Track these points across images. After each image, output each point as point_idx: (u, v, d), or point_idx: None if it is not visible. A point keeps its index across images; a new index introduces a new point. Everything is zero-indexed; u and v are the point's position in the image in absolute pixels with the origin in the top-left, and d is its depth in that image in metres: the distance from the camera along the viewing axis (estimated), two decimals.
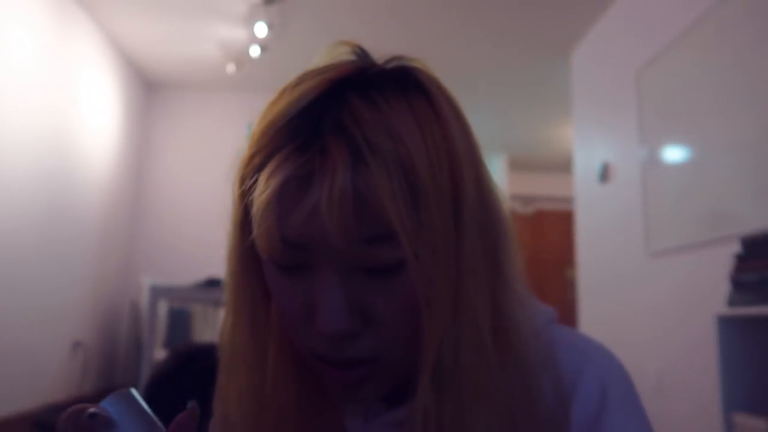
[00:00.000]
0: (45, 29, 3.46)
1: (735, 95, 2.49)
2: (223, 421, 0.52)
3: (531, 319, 0.47)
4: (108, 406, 0.37)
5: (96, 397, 4.20)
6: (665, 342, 2.93)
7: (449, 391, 0.42)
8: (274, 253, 0.42)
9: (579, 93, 4.19)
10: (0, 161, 3.03)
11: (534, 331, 0.47)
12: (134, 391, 0.39)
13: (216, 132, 5.11)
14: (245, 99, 5.09)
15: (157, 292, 3.04)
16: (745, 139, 2.41)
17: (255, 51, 4.14)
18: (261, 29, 3.89)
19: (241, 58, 4.39)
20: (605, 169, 3.67)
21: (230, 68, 4.51)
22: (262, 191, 0.41)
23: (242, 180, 0.44)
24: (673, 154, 2.96)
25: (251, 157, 0.44)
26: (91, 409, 0.36)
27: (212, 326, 4.24)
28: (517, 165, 7.00)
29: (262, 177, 0.41)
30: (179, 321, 4.16)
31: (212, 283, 3.61)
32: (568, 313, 5.22)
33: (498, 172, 6.90)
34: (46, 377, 3.57)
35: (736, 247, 2.21)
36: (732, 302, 2.10)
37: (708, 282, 2.54)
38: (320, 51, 0.48)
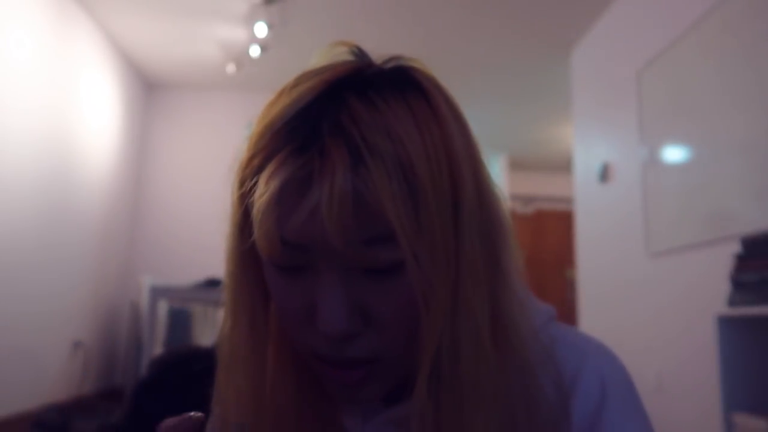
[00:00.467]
0: (45, 29, 3.46)
1: (735, 95, 2.49)
2: (222, 422, 0.52)
3: (530, 319, 0.47)
4: None
5: (96, 397, 4.21)
6: (665, 342, 2.93)
7: (447, 391, 0.42)
8: (274, 254, 0.42)
9: (579, 93, 4.19)
10: (0, 161, 3.03)
11: (533, 330, 0.47)
12: None
13: (216, 132, 5.11)
14: (245, 99, 5.09)
15: (157, 292, 3.04)
16: (746, 139, 2.41)
17: (255, 51, 4.14)
18: (261, 29, 3.89)
19: (241, 58, 4.39)
20: (605, 169, 3.67)
21: (230, 68, 4.51)
22: (262, 193, 0.41)
23: (241, 182, 0.44)
24: (674, 154, 2.96)
25: (250, 159, 0.44)
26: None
27: (212, 326, 4.24)
28: (517, 165, 7.00)
29: (262, 179, 0.41)
30: (179, 321, 4.16)
31: (212, 284, 3.61)
32: (568, 313, 5.22)
33: (498, 172, 6.90)
34: (46, 377, 3.57)
35: (736, 247, 2.21)
36: (732, 302, 2.10)
37: (708, 282, 2.54)
38: (317, 51, 0.48)
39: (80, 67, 3.93)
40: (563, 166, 6.03)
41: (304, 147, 0.41)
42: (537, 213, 7.36)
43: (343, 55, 0.48)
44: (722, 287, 2.29)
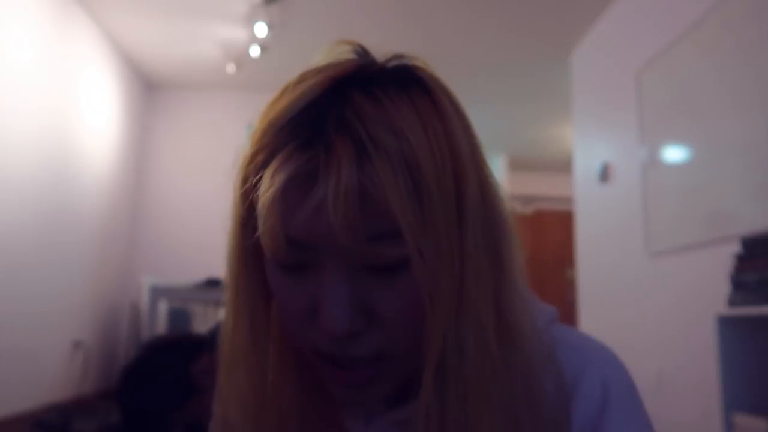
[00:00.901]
0: (45, 29, 3.46)
1: (735, 95, 2.49)
2: (223, 421, 0.52)
3: (533, 317, 0.47)
4: None
5: (96, 397, 4.20)
6: (665, 342, 2.93)
7: (452, 390, 0.42)
8: (278, 251, 0.42)
9: (579, 93, 4.19)
10: (0, 161, 3.03)
11: (536, 329, 0.47)
12: None
13: (216, 132, 5.11)
14: (245, 99, 5.09)
15: (157, 292, 3.04)
16: (746, 139, 2.41)
17: (255, 51, 4.14)
18: (261, 29, 3.89)
19: (241, 58, 4.39)
20: (605, 169, 3.67)
21: (230, 68, 4.51)
22: (267, 189, 0.41)
23: (244, 178, 0.44)
24: (674, 154, 2.96)
25: (253, 156, 0.43)
26: None
27: None
28: (517, 165, 6.99)
29: (267, 175, 0.41)
30: (179, 321, 4.16)
31: (212, 283, 3.61)
32: (568, 313, 5.22)
33: (498, 172, 6.90)
34: (46, 377, 3.56)
35: (736, 247, 2.21)
36: (732, 302, 2.10)
37: (708, 282, 2.54)
38: (320, 50, 0.48)
39: (80, 67, 3.92)
40: (563, 166, 6.03)
41: (308, 143, 0.40)
42: (537, 213, 7.36)
43: (345, 53, 0.47)
44: (722, 287, 2.29)
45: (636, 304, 3.24)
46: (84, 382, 4.02)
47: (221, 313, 0.54)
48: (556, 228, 7.11)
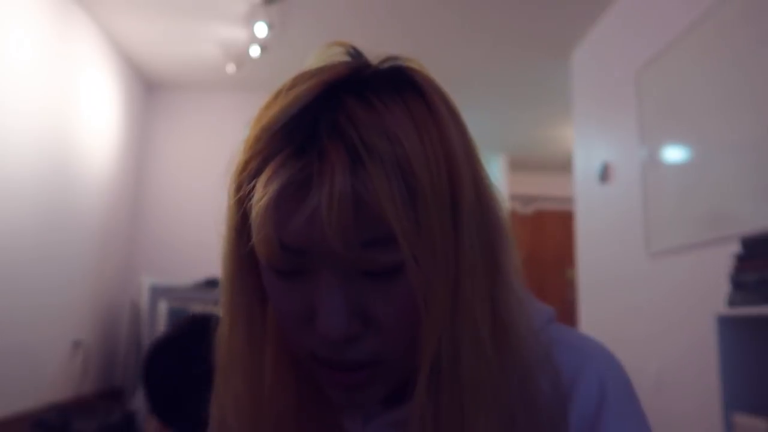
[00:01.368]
0: (45, 29, 3.45)
1: (735, 95, 2.49)
2: (220, 424, 0.52)
3: (530, 319, 0.47)
4: None
5: (96, 397, 4.20)
6: (665, 342, 2.93)
7: (447, 392, 0.42)
8: (273, 258, 0.42)
9: (579, 93, 4.19)
10: (0, 161, 3.03)
11: (532, 331, 0.47)
12: None
13: (216, 132, 5.11)
14: (245, 99, 5.09)
15: (157, 292, 3.04)
16: (746, 140, 2.41)
17: (255, 51, 4.14)
18: (261, 29, 3.89)
19: (241, 58, 4.39)
20: (605, 169, 3.67)
21: (230, 68, 4.51)
22: (260, 197, 0.41)
23: (239, 186, 0.44)
24: (673, 154, 2.96)
25: (247, 163, 0.43)
26: None
27: None
28: (517, 165, 6.99)
29: (260, 183, 0.41)
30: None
31: (212, 283, 3.62)
32: (568, 313, 5.22)
33: (498, 172, 6.90)
34: (46, 377, 3.56)
35: (736, 247, 2.21)
36: (732, 302, 2.10)
37: (708, 282, 2.54)
38: (313, 52, 0.48)
39: (80, 67, 3.92)
40: (563, 166, 6.03)
41: (302, 149, 0.40)
42: (537, 213, 7.36)
43: (338, 55, 0.47)
44: (722, 287, 2.29)
45: (636, 303, 3.24)
46: (84, 381, 4.02)
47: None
48: (556, 228, 7.11)
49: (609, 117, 3.70)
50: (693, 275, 2.72)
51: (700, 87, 2.74)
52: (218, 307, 0.52)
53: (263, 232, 0.41)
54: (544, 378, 0.46)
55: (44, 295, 3.50)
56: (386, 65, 0.46)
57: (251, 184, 0.42)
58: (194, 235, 4.74)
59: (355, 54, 0.48)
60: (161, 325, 4.07)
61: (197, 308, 4.23)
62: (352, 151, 0.39)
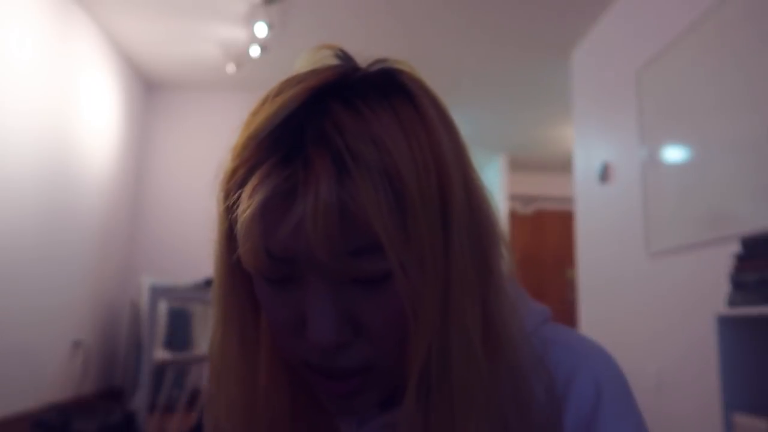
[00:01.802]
0: (45, 29, 3.46)
1: (735, 95, 2.49)
2: (214, 430, 0.51)
3: (522, 322, 0.47)
4: None
5: (96, 397, 4.20)
6: (665, 342, 2.93)
7: (438, 399, 0.42)
8: (260, 267, 0.42)
9: (579, 93, 4.19)
10: (0, 161, 3.03)
11: (525, 334, 0.46)
12: None
13: (216, 132, 5.09)
14: (245, 99, 5.08)
15: (157, 292, 3.03)
16: (746, 139, 2.41)
17: (255, 51, 4.14)
18: (261, 29, 3.89)
19: (241, 58, 4.39)
20: (605, 169, 3.67)
21: (230, 68, 4.51)
22: (246, 207, 0.40)
23: (226, 193, 0.44)
24: (673, 154, 2.96)
25: (234, 171, 0.43)
26: None
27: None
28: (517, 165, 7.00)
29: (245, 193, 0.41)
30: (179, 321, 4.15)
31: (212, 283, 3.59)
32: (568, 313, 5.22)
33: (498, 172, 6.90)
34: (46, 377, 3.56)
35: (736, 247, 2.21)
36: (732, 302, 2.10)
37: (708, 282, 2.54)
38: (301, 56, 0.47)
39: (80, 67, 3.93)
40: (563, 166, 6.03)
41: (287, 158, 0.40)
42: (537, 213, 7.36)
43: (327, 58, 0.46)
44: (722, 287, 2.29)
45: (636, 303, 3.24)
46: (84, 381, 4.02)
47: None
48: (556, 228, 7.12)
49: (609, 117, 3.70)
50: (693, 275, 2.72)
51: (700, 87, 2.74)
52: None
53: (249, 242, 0.41)
54: (538, 383, 0.45)
55: (44, 295, 3.50)
56: (375, 68, 0.45)
57: (237, 194, 0.42)
58: (194, 235, 4.74)
59: (344, 57, 0.47)
60: (161, 325, 4.07)
61: (197, 308, 4.24)
62: (338, 159, 0.39)
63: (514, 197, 7.07)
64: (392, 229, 0.39)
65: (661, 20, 3.13)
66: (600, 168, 3.72)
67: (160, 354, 3.50)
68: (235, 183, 0.43)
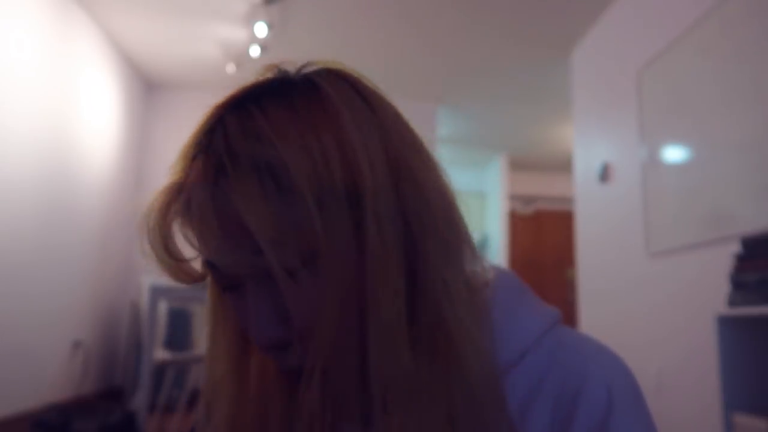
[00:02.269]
0: (45, 29, 3.45)
1: (735, 95, 2.49)
2: None
3: (466, 304, 0.44)
4: None
5: (96, 397, 4.19)
6: (665, 342, 2.93)
7: (374, 394, 0.41)
8: (212, 278, 0.45)
9: (579, 93, 4.19)
10: (0, 161, 3.03)
11: (477, 324, 0.44)
12: None
13: None
14: None
15: (157, 292, 3.03)
16: (746, 139, 2.40)
17: (255, 51, 4.14)
18: (261, 29, 3.89)
19: (241, 58, 4.39)
20: (605, 169, 3.67)
21: (230, 68, 4.51)
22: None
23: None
24: (674, 153, 2.96)
25: (173, 184, 0.46)
26: None
27: None
28: (517, 165, 6.99)
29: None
30: (179, 321, 4.15)
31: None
32: (568, 314, 5.22)
33: (498, 172, 6.90)
34: (46, 377, 3.56)
35: (736, 247, 2.21)
36: (732, 302, 2.10)
37: (708, 282, 2.54)
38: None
39: (80, 67, 3.92)
40: (563, 166, 6.03)
41: (184, 173, 0.44)
42: (537, 213, 7.36)
43: (268, 76, 0.48)
44: (722, 287, 2.29)
45: (636, 303, 3.24)
46: (84, 381, 4.02)
47: None
48: (556, 228, 7.11)
49: (609, 116, 3.70)
50: (693, 275, 2.72)
51: (701, 86, 2.74)
52: None
53: (197, 252, 0.44)
54: (491, 378, 0.43)
55: (44, 296, 3.50)
56: (296, 74, 0.47)
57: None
58: None
59: (279, 71, 0.48)
60: (161, 325, 4.07)
61: (197, 308, 4.23)
62: (218, 162, 0.40)
63: (514, 197, 7.07)
64: (269, 224, 0.38)
65: (662, 19, 3.13)
66: (600, 168, 3.71)
67: (160, 354, 3.50)
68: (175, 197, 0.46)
